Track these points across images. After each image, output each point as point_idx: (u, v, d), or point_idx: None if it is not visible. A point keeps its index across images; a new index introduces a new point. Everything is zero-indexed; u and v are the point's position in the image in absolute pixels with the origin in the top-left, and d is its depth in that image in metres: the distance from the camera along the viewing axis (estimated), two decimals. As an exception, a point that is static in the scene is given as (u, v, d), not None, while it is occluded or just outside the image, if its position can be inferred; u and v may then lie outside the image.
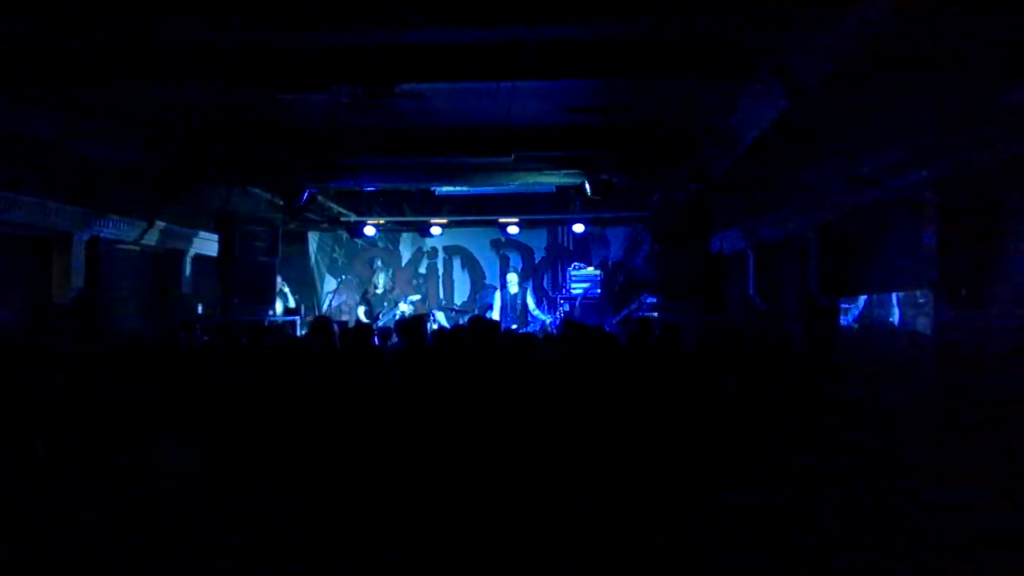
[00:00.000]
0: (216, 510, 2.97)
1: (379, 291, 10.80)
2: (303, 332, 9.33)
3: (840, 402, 5.10)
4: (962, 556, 2.93)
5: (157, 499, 2.94)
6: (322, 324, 5.44)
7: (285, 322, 10.16)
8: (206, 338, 8.25)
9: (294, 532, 2.93)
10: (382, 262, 12.83)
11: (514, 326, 9.88)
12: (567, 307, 11.01)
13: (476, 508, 3.00)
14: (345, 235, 12.27)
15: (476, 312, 10.86)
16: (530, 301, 10.86)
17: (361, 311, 10.87)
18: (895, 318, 6.00)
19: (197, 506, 2.97)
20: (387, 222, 11.77)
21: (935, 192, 5.54)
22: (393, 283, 12.36)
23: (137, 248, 8.92)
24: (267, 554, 2.85)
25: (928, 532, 3.03)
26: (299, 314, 10.70)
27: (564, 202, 10.74)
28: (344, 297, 12.55)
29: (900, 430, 4.68)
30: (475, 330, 4.78)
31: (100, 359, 4.72)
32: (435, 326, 9.74)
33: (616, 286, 10.59)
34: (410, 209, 11.50)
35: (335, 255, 12.93)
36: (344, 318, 11.50)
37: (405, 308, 10.61)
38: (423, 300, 12.64)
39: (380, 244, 12.73)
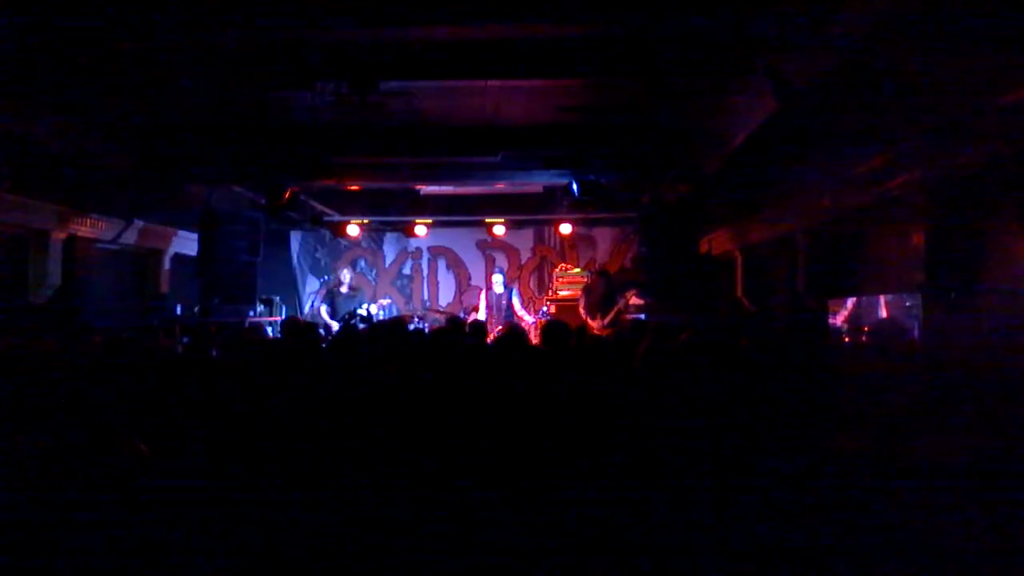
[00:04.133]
0: (207, 513, 2.90)
1: (344, 290, 10.64)
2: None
3: (830, 404, 5.08)
4: (957, 558, 2.91)
5: (144, 502, 2.85)
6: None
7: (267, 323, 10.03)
8: (186, 340, 8.12)
9: (289, 535, 2.86)
10: (365, 263, 12.71)
11: (499, 328, 9.79)
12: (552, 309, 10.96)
13: (469, 508, 2.94)
14: (328, 235, 12.14)
15: (462, 313, 10.77)
16: (516, 302, 10.79)
17: (323, 310, 10.69)
18: (883, 320, 5.99)
19: (186, 509, 2.89)
20: (371, 222, 11.67)
21: (924, 194, 5.53)
22: (359, 281, 12.19)
23: (116, 247, 8.77)
24: (262, 557, 2.78)
25: (921, 533, 3.01)
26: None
27: (551, 202, 10.69)
28: (321, 299, 12.44)
29: (889, 431, 4.66)
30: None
31: (79, 359, 4.62)
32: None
33: (595, 294, 10.48)
34: (395, 209, 11.41)
35: (318, 255, 12.80)
36: (323, 321, 11.36)
37: (373, 309, 10.44)
38: (407, 302, 12.53)
39: (364, 244, 12.62)
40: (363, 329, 7.26)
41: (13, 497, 2.51)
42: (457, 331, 6.16)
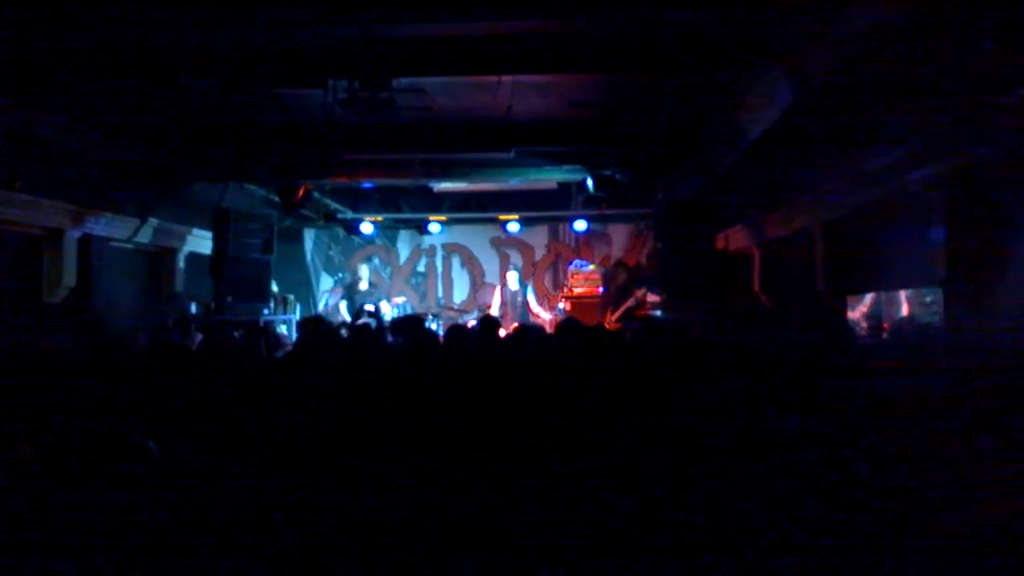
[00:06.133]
0: (212, 514, 2.89)
1: (364, 287, 10.64)
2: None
3: (848, 399, 5.03)
4: (965, 556, 2.87)
5: (151, 502, 2.85)
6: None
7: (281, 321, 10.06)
8: (201, 337, 8.15)
9: (292, 536, 2.85)
10: (379, 260, 12.71)
11: (515, 324, 9.77)
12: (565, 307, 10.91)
13: (473, 508, 2.92)
14: (342, 233, 12.15)
15: (477, 311, 10.75)
16: (531, 299, 10.74)
17: (343, 306, 10.70)
18: (902, 316, 5.91)
19: (193, 509, 2.88)
20: (384, 219, 11.67)
21: (942, 188, 5.46)
22: (380, 278, 12.23)
23: (130, 246, 8.80)
24: (264, 559, 2.77)
25: (932, 532, 2.96)
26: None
27: (566, 199, 10.65)
28: (340, 296, 12.43)
29: (908, 428, 4.60)
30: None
31: (93, 359, 4.63)
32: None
33: (615, 284, 10.43)
34: (408, 206, 11.40)
35: (331, 253, 12.80)
36: (340, 318, 11.37)
37: (385, 307, 10.44)
38: (421, 299, 12.51)
39: (377, 242, 12.61)
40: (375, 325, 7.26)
41: (16, 497, 2.51)
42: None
